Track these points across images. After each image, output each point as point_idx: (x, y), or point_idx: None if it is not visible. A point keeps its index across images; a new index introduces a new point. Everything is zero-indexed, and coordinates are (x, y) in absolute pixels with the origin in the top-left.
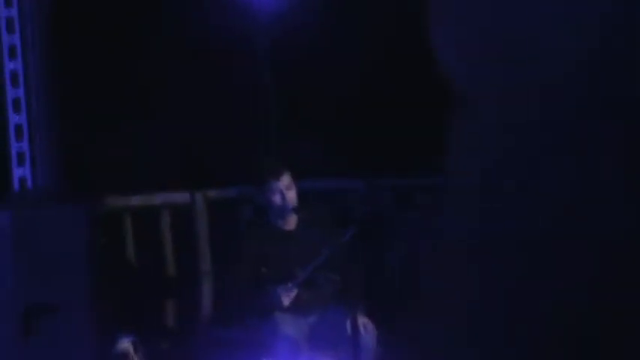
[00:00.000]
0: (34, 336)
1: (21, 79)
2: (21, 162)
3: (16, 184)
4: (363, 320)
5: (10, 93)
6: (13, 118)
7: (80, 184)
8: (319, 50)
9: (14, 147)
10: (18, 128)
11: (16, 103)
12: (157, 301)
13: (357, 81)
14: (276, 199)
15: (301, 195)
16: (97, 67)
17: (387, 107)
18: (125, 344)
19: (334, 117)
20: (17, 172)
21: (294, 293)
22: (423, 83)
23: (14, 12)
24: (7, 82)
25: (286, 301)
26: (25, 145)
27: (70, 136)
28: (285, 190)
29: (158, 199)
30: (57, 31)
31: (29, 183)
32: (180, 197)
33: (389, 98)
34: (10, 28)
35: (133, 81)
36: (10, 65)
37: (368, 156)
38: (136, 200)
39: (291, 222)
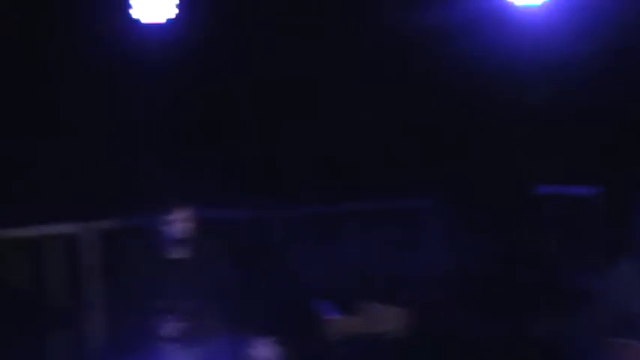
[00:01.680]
0: None
1: None
2: None
3: None
4: (260, 341)
5: None
6: None
7: None
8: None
9: None
10: None
11: None
12: (43, 333)
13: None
14: (169, 229)
15: (195, 225)
16: None
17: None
18: None
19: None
20: None
21: (176, 325)
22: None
23: None
24: None
25: (171, 333)
26: None
27: None
28: (179, 221)
29: (46, 230)
30: None
31: None
32: (70, 228)
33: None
34: None
35: (23, 105)
36: None
37: (260, 187)
38: (23, 232)
39: (183, 252)
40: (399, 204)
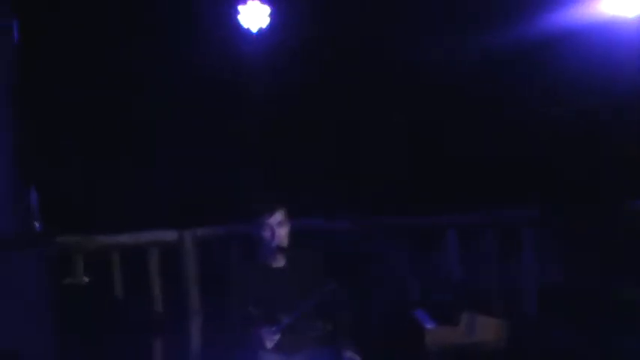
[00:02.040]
0: None
1: None
2: None
3: None
4: (353, 357)
5: None
6: None
7: (67, 224)
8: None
9: None
10: None
11: None
12: (145, 338)
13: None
14: (267, 235)
15: (294, 233)
16: (79, 103)
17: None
18: None
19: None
20: None
21: (277, 337)
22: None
23: None
24: None
25: (269, 344)
26: None
27: (43, 176)
28: (277, 226)
29: (146, 236)
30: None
31: None
32: (169, 235)
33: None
34: None
35: (118, 117)
36: None
37: (360, 195)
38: (125, 238)
39: (279, 260)
40: (500, 215)
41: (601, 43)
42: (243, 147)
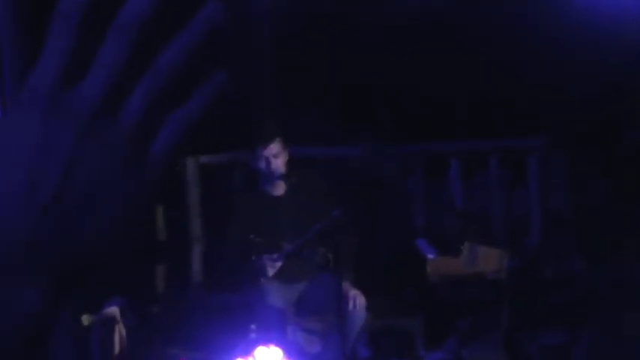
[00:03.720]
0: None
1: None
2: None
3: None
4: (353, 292)
5: None
6: None
7: None
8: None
9: None
10: None
11: None
12: (147, 265)
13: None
14: (262, 165)
15: (299, 161)
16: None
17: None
18: (112, 308)
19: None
20: None
21: (279, 264)
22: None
23: None
24: None
25: (271, 271)
26: None
27: None
28: (272, 157)
29: None
30: None
31: None
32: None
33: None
34: None
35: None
36: None
37: (370, 123)
38: None
39: (280, 188)
40: (507, 143)
41: None
42: (248, 76)
